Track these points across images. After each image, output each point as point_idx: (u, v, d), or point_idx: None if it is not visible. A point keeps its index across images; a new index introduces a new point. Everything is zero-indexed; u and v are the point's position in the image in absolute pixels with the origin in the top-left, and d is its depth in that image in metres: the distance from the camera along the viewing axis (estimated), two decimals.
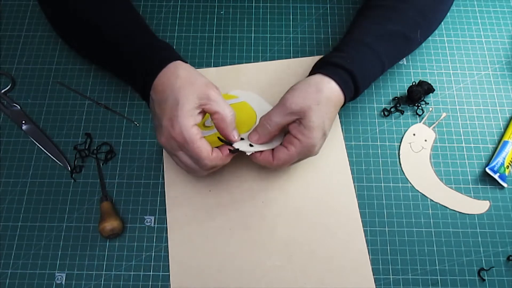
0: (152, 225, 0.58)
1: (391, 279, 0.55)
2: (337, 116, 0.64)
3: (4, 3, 0.72)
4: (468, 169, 0.61)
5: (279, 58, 0.68)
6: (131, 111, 0.64)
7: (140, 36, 0.57)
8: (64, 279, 0.55)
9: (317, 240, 0.57)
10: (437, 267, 0.56)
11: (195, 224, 0.57)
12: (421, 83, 0.64)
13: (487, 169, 0.60)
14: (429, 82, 0.65)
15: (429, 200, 0.59)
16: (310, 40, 0.69)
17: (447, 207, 0.59)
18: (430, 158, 0.61)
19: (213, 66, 0.67)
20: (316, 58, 0.60)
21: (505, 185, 0.60)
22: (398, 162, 0.61)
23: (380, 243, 0.57)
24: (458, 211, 0.59)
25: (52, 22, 0.64)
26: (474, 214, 0.58)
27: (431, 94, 0.65)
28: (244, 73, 0.66)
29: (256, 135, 0.54)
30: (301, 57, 0.68)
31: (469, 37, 0.69)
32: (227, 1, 0.72)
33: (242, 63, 0.67)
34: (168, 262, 0.56)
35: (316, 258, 0.56)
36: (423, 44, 0.68)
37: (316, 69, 0.56)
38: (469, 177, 0.60)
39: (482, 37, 0.69)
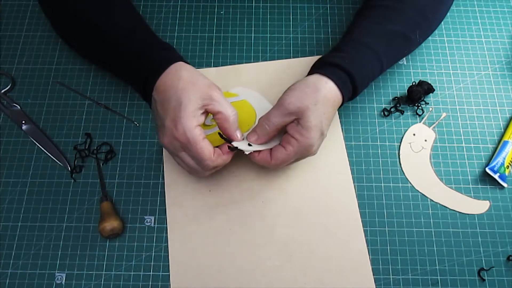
0: (152, 225, 0.58)
1: (391, 279, 0.55)
2: (337, 116, 0.64)
3: (4, 3, 0.72)
4: (468, 169, 0.61)
5: (279, 58, 0.68)
6: (131, 111, 0.64)
7: (140, 36, 0.57)
8: (64, 279, 0.55)
9: (317, 240, 0.57)
10: (437, 267, 0.56)
11: (195, 224, 0.57)
12: (421, 83, 0.64)
13: (487, 169, 0.60)
14: (429, 82, 0.65)
15: (429, 200, 0.59)
16: (310, 40, 0.69)
17: (447, 207, 0.59)
18: (430, 158, 0.61)
19: (213, 66, 0.67)
20: (316, 58, 0.60)
21: (505, 185, 0.60)
22: (398, 162, 0.61)
23: (380, 243, 0.57)
24: (458, 211, 0.59)
25: (52, 22, 0.64)
26: (474, 214, 0.58)
27: (431, 94, 0.65)
28: (244, 73, 0.66)
29: (255, 135, 0.54)
30: (301, 57, 0.68)
31: (469, 37, 0.69)
32: (227, 1, 0.72)
33: (242, 63, 0.67)
34: (168, 262, 0.56)
35: (316, 258, 0.56)
36: (423, 44, 0.68)
37: (314, 69, 0.56)
38: (469, 177, 0.60)
39: (482, 37, 0.69)
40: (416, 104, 0.64)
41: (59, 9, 0.61)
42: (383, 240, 0.57)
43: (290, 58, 0.68)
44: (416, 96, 0.63)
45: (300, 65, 0.67)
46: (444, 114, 0.64)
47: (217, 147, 0.53)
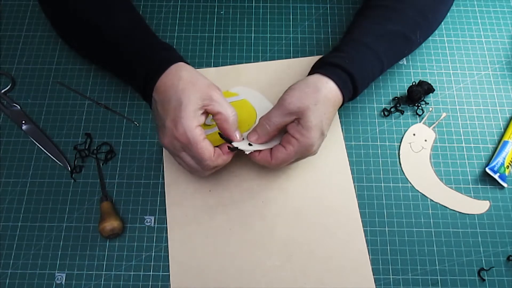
0: (152, 225, 0.58)
1: (391, 279, 0.55)
2: (337, 116, 0.64)
3: (4, 3, 0.72)
4: (468, 169, 0.61)
5: (279, 58, 0.68)
6: (131, 111, 0.64)
7: (140, 36, 0.57)
8: (64, 279, 0.55)
9: (317, 240, 0.57)
10: (437, 267, 0.56)
11: (195, 224, 0.57)
12: (421, 83, 0.64)
13: (487, 169, 0.60)
14: (429, 82, 0.65)
15: (429, 200, 0.59)
16: (310, 40, 0.69)
17: (447, 207, 0.59)
18: (430, 158, 0.61)
19: (213, 66, 0.67)
20: (316, 58, 0.60)
21: (505, 185, 0.60)
22: (398, 162, 0.61)
23: (380, 243, 0.57)
24: (458, 211, 0.59)
25: (52, 22, 0.64)
26: (474, 214, 0.58)
27: (431, 94, 0.65)
28: (244, 73, 0.66)
29: (255, 135, 0.54)
30: (301, 57, 0.68)
31: (469, 37, 0.69)
32: (227, 1, 0.72)
33: (242, 63, 0.67)
34: (168, 262, 0.56)
35: (316, 258, 0.56)
36: (423, 44, 0.68)
37: (314, 69, 0.56)
38: (469, 177, 0.60)
39: (482, 37, 0.69)
40: (416, 104, 0.64)
41: (59, 9, 0.61)
42: (383, 240, 0.57)
43: (290, 58, 0.68)
44: (416, 96, 0.63)
45: (300, 65, 0.67)
46: (444, 114, 0.64)
47: (217, 146, 0.53)
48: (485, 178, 0.60)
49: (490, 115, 0.64)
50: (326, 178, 0.60)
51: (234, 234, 0.57)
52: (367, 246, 0.57)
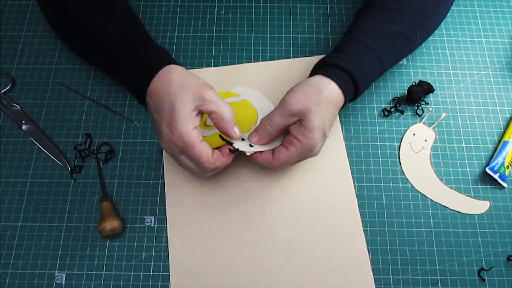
0: (152, 225, 0.58)
1: (391, 279, 0.55)
2: (337, 116, 0.64)
3: (4, 3, 0.72)
4: (468, 169, 0.61)
5: (279, 58, 0.68)
6: (131, 111, 0.64)
7: (134, 40, 0.57)
8: (64, 279, 0.55)
9: (317, 240, 0.57)
10: (437, 267, 0.56)
11: (195, 224, 0.57)
12: (421, 83, 0.64)
13: (487, 169, 0.60)
14: (429, 82, 0.65)
15: (429, 200, 0.59)
16: (310, 40, 0.69)
17: (447, 207, 0.59)
18: (430, 158, 0.61)
19: (213, 66, 0.67)
20: (316, 58, 0.60)
21: (505, 185, 0.60)
22: (398, 162, 0.61)
23: (380, 243, 0.57)
24: (458, 211, 0.59)
25: (52, 23, 0.64)
26: (474, 214, 0.58)
27: (431, 94, 0.65)
28: (244, 73, 0.66)
29: (257, 136, 0.54)
30: (301, 57, 0.68)
31: (469, 37, 0.69)
32: (227, 1, 0.72)
33: (242, 63, 0.67)
34: (168, 262, 0.56)
35: (316, 258, 0.56)
36: (423, 44, 0.68)
37: (316, 70, 0.56)
38: (469, 177, 0.60)
39: (482, 37, 0.69)
40: (416, 104, 0.64)
41: (59, 10, 0.61)
42: (383, 240, 0.57)
43: (290, 58, 0.68)
44: (416, 96, 0.63)
45: (300, 65, 0.67)
46: (444, 114, 0.64)
47: (217, 148, 0.53)
48: (485, 178, 0.60)
49: (490, 115, 0.64)
50: (326, 178, 0.60)
51: (234, 234, 0.57)
52: (367, 246, 0.57)
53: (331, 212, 0.58)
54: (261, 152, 0.54)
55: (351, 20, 0.65)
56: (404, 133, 0.63)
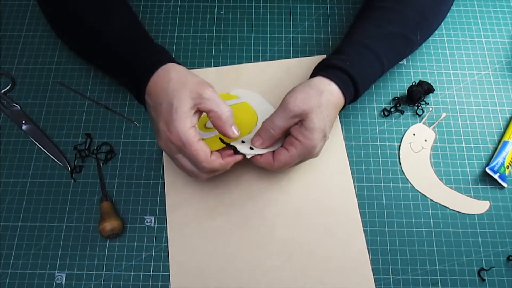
0: (152, 225, 0.58)
1: (391, 279, 0.55)
2: (337, 116, 0.64)
3: (4, 3, 0.72)
4: (468, 169, 0.61)
5: (279, 58, 0.68)
6: (131, 111, 0.64)
7: (134, 39, 0.57)
8: (64, 279, 0.55)
9: (317, 240, 0.57)
10: (437, 267, 0.56)
11: (195, 224, 0.57)
12: (421, 83, 0.64)
13: (487, 169, 0.60)
14: (429, 82, 0.65)
15: (429, 200, 0.59)
16: (310, 40, 0.69)
17: (447, 207, 0.59)
18: (430, 158, 0.61)
19: (213, 66, 0.67)
20: (316, 58, 0.60)
21: (505, 185, 0.60)
22: (398, 162, 0.61)
23: (380, 243, 0.57)
24: (458, 211, 0.59)
25: (52, 23, 0.64)
26: (474, 214, 0.58)
27: (431, 94, 0.65)
28: (244, 73, 0.66)
29: (260, 140, 0.53)
30: (301, 57, 0.68)
31: (469, 37, 0.69)
32: (227, 1, 0.72)
33: (242, 63, 0.67)
34: (168, 262, 0.56)
35: (316, 258, 0.56)
36: (423, 44, 0.68)
37: (316, 72, 0.56)
38: (469, 177, 0.60)
39: (482, 37, 0.69)
40: (416, 104, 0.64)
41: (58, 9, 0.61)
42: (383, 240, 0.57)
43: (290, 58, 0.68)
44: (416, 96, 0.63)
45: (300, 65, 0.67)
46: (444, 114, 0.64)
47: (218, 151, 0.53)
48: (485, 178, 0.60)
49: (490, 115, 0.64)
50: (326, 178, 0.60)
51: (234, 234, 0.57)
52: (367, 246, 0.57)
53: (331, 212, 0.58)
54: (261, 154, 0.54)
55: (351, 20, 0.65)
56: (404, 133, 0.63)
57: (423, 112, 0.64)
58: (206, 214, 0.58)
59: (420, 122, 0.64)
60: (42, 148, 0.61)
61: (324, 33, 0.70)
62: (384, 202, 0.59)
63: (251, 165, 0.60)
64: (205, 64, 0.67)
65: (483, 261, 0.56)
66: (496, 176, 0.59)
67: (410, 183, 0.60)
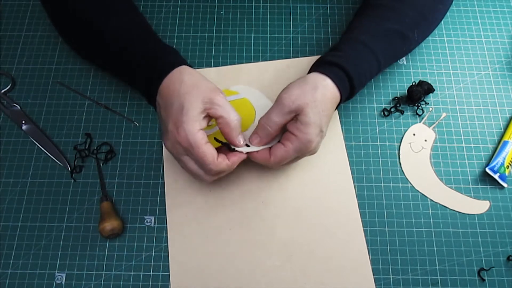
0: (152, 225, 0.58)
1: (391, 279, 0.55)
2: (337, 116, 0.64)
3: (4, 3, 0.72)
4: (468, 169, 0.61)
5: (279, 58, 0.68)
6: (131, 111, 0.64)
7: (143, 39, 0.57)
8: (64, 279, 0.55)
9: (317, 240, 0.57)
10: (437, 267, 0.56)
11: (195, 224, 0.57)
12: (421, 83, 0.64)
13: (487, 169, 0.60)
14: (429, 82, 0.65)
15: (429, 200, 0.59)
16: (310, 40, 0.69)
17: (447, 207, 0.59)
18: (430, 158, 0.61)
19: (213, 66, 0.67)
20: (316, 58, 0.60)
21: (505, 185, 0.60)
22: (398, 162, 0.61)
23: (380, 243, 0.57)
24: (458, 211, 0.59)
25: (53, 22, 0.64)
26: (474, 214, 0.58)
27: (431, 94, 0.65)
28: (244, 73, 0.66)
29: (257, 138, 0.54)
30: (301, 57, 0.68)
31: (469, 37, 0.69)
32: (227, 1, 0.72)
33: (242, 63, 0.67)
34: (168, 262, 0.56)
35: (316, 258, 0.56)
36: (423, 44, 0.68)
37: (313, 68, 0.57)
38: (469, 177, 0.60)
39: (482, 37, 0.69)
40: (416, 104, 0.64)
41: (58, 8, 0.61)
42: (383, 240, 0.57)
43: (290, 58, 0.68)
44: (416, 96, 0.63)
45: (300, 65, 0.67)
46: (444, 114, 0.64)
47: (223, 154, 0.53)
48: (485, 178, 0.60)
49: (490, 115, 0.64)
50: (326, 178, 0.60)
51: (234, 234, 0.57)
52: (367, 246, 0.57)
53: (331, 212, 0.58)
54: (258, 150, 0.54)
55: (351, 20, 0.65)
56: (404, 133, 0.63)
57: (423, 112, 0.64)
58: (206, 214, 0.58)
59: (420, 122, 0.64)
60: (42, 148, 0.61)
61: (324, 33, 0.70)
62: (384, 202, 0.59)
63: (251, 165, 0.60)
64: (205, 64, 0.67)
65: (483, 261, 0.56)
66: (496, 176, 0.59)
67: (410, 183, 0.60)
